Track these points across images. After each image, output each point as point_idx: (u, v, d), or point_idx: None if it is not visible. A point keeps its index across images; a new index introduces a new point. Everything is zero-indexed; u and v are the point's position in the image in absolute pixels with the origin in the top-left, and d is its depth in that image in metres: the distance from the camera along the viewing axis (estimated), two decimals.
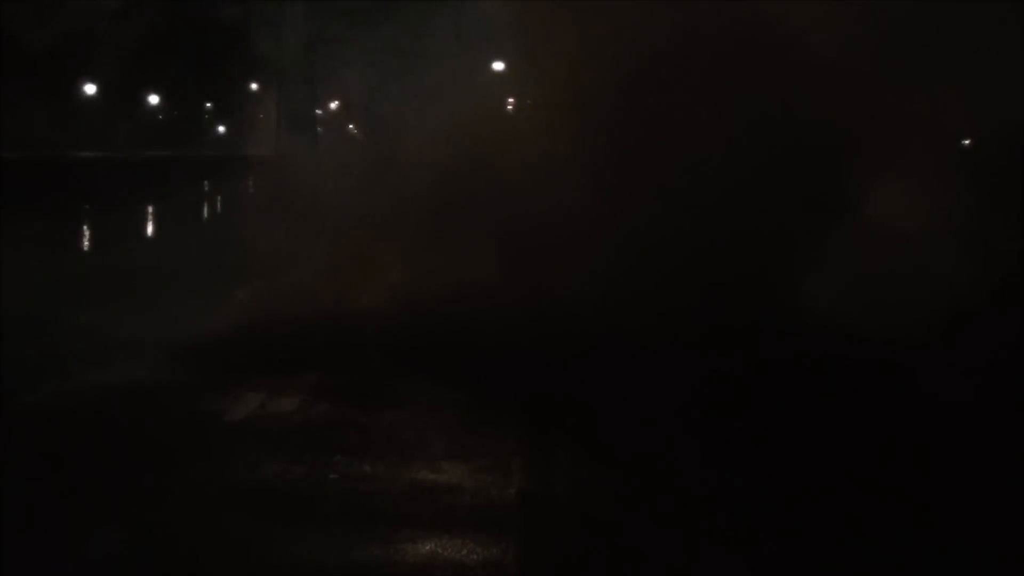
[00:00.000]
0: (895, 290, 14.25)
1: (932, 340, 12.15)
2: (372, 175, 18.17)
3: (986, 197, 16.97)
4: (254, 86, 57.27)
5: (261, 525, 7.06)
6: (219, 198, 35.27)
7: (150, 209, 30.74)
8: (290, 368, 11.12)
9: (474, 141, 17.59)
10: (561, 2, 18.73)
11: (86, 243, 24.23)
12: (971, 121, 17.36)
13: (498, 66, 22.11)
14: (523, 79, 20.39)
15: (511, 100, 23.55)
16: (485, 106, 19.93)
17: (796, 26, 16.44)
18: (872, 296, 13.98)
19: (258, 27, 28.04)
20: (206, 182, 39.10)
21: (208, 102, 64.33)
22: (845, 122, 16.15)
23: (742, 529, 7.20)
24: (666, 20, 16.71)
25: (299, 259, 16.65)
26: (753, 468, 8.42)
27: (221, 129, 68.48)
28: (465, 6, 22.25)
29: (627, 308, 13.19)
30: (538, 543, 6.87)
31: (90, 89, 51.00)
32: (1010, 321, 13.77)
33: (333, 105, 66.10)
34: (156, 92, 57.55)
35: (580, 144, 17.23)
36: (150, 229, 27.71)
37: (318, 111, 45.51)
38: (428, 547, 6.73)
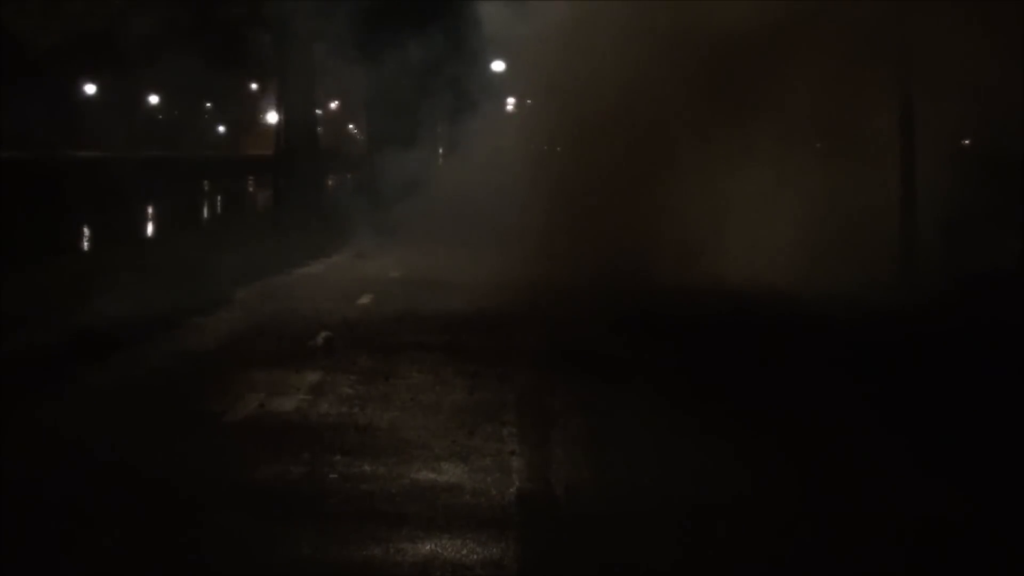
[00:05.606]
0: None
1: None
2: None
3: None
4: (254, 86, 57.30)
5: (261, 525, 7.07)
6: None
7: None
8: None
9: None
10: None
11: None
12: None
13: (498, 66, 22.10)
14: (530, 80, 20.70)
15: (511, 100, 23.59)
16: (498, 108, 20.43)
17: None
18: None
19: (258, 27, 28.01)
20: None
21: (208, 102, 64.35)
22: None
23: (744, 531, 7.19)
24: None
25: None
26: (761, 474, 8.41)
27: (221, 129, 68.47)
28: (467, 6, 22.26)
29: None
30: (538, 543, 6.86)
31: (90, 89, 50.97)
32: None
33: (333, 105, 66.10)
34: (156, 92, 57.55)
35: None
36: None
37: (318, 111, 45.47)
38: (428, 547, 6.73)
